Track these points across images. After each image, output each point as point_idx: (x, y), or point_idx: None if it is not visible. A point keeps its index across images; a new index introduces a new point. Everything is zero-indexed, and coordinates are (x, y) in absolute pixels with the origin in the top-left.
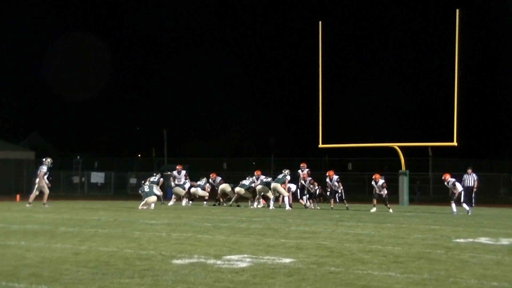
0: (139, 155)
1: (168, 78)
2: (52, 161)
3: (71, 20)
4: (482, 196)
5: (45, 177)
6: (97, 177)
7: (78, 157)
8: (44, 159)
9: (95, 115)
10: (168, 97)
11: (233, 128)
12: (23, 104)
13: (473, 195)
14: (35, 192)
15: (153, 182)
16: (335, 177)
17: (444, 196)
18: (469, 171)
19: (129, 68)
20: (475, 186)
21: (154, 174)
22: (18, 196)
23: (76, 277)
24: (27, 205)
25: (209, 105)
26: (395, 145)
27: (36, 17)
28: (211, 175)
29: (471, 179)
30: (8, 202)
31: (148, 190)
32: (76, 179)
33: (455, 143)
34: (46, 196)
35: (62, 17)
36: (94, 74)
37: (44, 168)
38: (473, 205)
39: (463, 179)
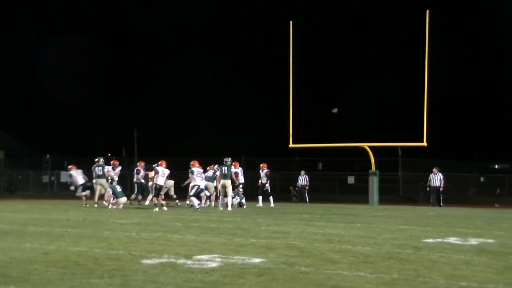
0: (109, 155)
1: (138, 77)
2: None
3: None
4: (452, 196)
5: None
6: (67, 177)
7: (48, 156)
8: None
9: (65, 114)
10: (138, 96)
11: (204, 128)
12: None
13: (440, 195)
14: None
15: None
16: (265, 170)
17: (414, 196)
18: (435, 170)
19: (100, 67)
20: (442, 185)
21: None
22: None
23: (45, 277)
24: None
25: (180, 105)
26: (365, 145)
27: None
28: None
29: (437, 178)
30: None
31: (120, 190)
32: (45, 179)
33: (424, 144)
34: None
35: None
36: (68, 74)
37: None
38: (441, 204)
39: (429, 178)
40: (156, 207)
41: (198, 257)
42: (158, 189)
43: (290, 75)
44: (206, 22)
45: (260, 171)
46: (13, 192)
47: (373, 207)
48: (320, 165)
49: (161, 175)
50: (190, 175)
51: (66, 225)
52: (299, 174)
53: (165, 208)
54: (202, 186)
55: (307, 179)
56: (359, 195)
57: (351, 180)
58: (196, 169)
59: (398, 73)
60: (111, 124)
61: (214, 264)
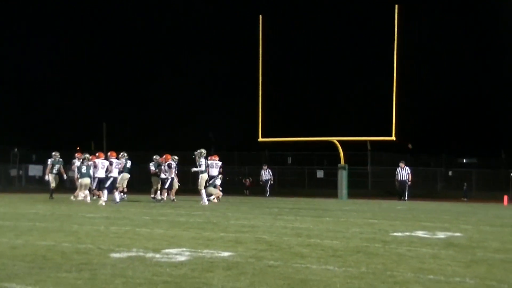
0: (78, 148)
1: (107, 70)
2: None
3: None
4: (419, 191)
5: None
6: (35, 170)
7: (16, 149)
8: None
9: (33, 107)
10: (106, 90)
11: (173, 122)
12: None
13: (407, 188)
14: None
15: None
16: (170, 162)
17: (382, 191)
18: (402, 164)
19: (67, 60)
20: (409, 179)
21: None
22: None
23: (12, 272)
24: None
25: (148, 98)
26: (335, 139)
27: None
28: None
29: (404, 172)
30: None
31: (85, 171)
32: (13, 172)
33: (393, 138)
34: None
35: None
36: (35, 66)
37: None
38: (406, 198)
39: (396, 172)
40: (102, 200)
41: (167, 251)
42: (98, 181)
43: (259, 69)
44: (177, 14)
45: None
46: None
47: (342, 201)
48: (289, 159)
49: (101, 167)
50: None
51: (34, 219)
52: (262, 168)
53: (103, 203)
54: (120, 178)
55: (271, 173)
56: (328, 189)
57: (320, 174)
58: (116, 160)
59: (367, 68)
60: (80, 118)
61: (182, 258)
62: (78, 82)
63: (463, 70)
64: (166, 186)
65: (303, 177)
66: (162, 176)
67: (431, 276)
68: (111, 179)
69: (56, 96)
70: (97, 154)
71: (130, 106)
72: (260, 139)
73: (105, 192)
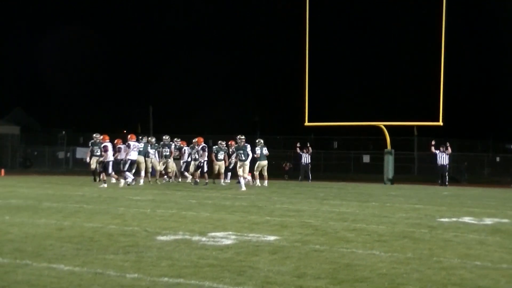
0: (125, 131)
1: (154, 55)
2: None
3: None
4: (467, 176)
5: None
6: (82, 153)
7: (64, 132)
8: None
9: (79, 90)
10: (154, 73)
11: (219, 105)
12: (6, 79)
13: (446, 173)
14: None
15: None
16: (202, 145)
17: (428, 176)
18: (442, 148)
19: (115, 45)
20: (448, 163)
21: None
22: (2, 171)
23: (59, 253)
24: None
25: (195, 83)
26: (381, 124)
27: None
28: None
29: (445, 157)
30: None
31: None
32: (61, 155)
33: (440, 123)
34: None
35: (57, 10)
36: (81, 54)
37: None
38: (447, 184)
39: (437, 156)
40: (105, 183)
41: (212, 234)
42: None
43: (306, 52)
44: (224, 4)
45: (196, 146)
46: (28, 168)
47: (387, 186)
48: (335, 144)
49: (132, 149)
50: (126, 148)
51: (81, 201)
52: (302, 152)
53: (105, 185)
54: (134, 159)
55: (310, 158)
56: (374, 174)
57: (366, 159)
58: (133, 142)
59: (414, 52)
60: (127, 101)
61: (228, 241)
62: (126, 64)
63: (510, 53)
64: (205, 170)
65: (349, 161)
66: (198, 159)
67: (478, 262)
68: (129, 161)
69: (103, 78)
70: (128, 136)
71: (176, 90)
72: (306, 123)
73: (126, 174)
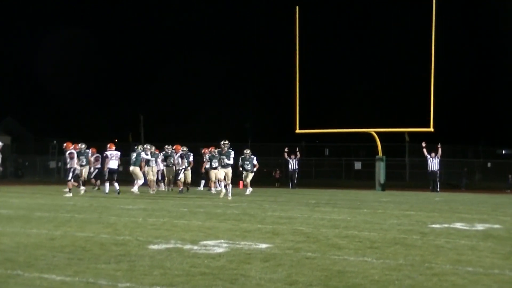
0: (116, 140)
1: (144, 63)
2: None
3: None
4: (456, 182)
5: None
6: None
7: (55, 141)
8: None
9: (71, 99)
10: (144, 82)
11: (210, 113)
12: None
13: (437, 179)
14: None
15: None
16: (180, 153)
17: (420, 182)
18: (433, 154)
19: (105, 53)
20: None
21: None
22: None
23: (51, 263)
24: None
25: (185, 90)
26: (372, 130)
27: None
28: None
29: (436, 162)
30: None
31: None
32: (52, 164)
33: (431, 129)
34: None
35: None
36: (71, 62)
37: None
38: (438, 189)
39: (428, 162)
40: (70, 192)
41: (204, 242)
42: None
43: (296, 60)
44: (213, 8)
45: (174, 154)
46: (20, 178)
47: (379, 192)
48: (327, 151)
49: (114, 158)
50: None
51: (73, 210)
52: (289, 158)
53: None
54: (113, 168)
55: (297, 164)
56: (365, 180)
57: (357, 165)
58: (111, 152)
59: (404, 59)
60: (118, 110)
61: (220, 250)
62: (114, 74)
63: (501, 59)
64: (179, 177)
65: (341, 168)
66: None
67: (470, 268)
68: (107, 170)
69: (93, 87)
70: (108, 145)
71: (166, 97)
72: (297, 130)
73: (106, 183)
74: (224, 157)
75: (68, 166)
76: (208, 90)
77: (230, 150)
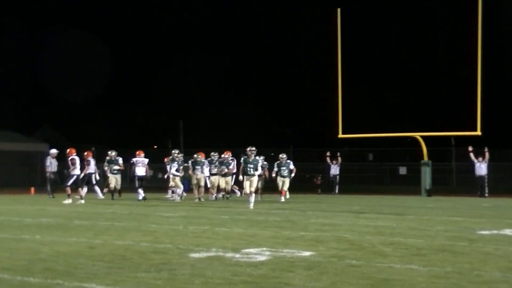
0: (155, 146)
1: (183, 68)
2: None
3: (72, 18)
4: (505, 187)
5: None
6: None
7: (93, 148)
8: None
9: (109, 106)
10: (184, 87)
11: (250, 119)
12: (34, 96)
13: (486, 184)
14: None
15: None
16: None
17: (467, 187)
18: (480, 159)
19: (144, 58)
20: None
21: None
22: (32, 189)
23: (91, 272)
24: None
25: (225, 95)
26: (417, 134)
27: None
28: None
29: (483, 167)
30: (21, 195)
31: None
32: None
33: (478, 133)
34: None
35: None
36: (101, 67)
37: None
38: (486, 195)
39: (475, 167)
40: (70, 198)
41: (246, 250)
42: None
43: (338, 63)
44: (255, 11)
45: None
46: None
47: (425, 198)
48: (370, 156)
49: (141, 165)
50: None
51: (112, 218)
52: (331, 163)
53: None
54: (141, 175)
55: (339, 169)
56: (410, 186)
57: (402, 171)
58: (138, 158)
59: (450, 60)
60: (157, 116)
61: (262, 258)
62: (156, 79)
63: None
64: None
65: (385, 174)
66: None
67: None
68: (136, 177)
69: (133, 93)
70: (137, 152)
71: (207, 103)
72: (340, 135)
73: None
74: (252, 166)
75: (71, 172)
76: (249, 95)
77: (258, 158)
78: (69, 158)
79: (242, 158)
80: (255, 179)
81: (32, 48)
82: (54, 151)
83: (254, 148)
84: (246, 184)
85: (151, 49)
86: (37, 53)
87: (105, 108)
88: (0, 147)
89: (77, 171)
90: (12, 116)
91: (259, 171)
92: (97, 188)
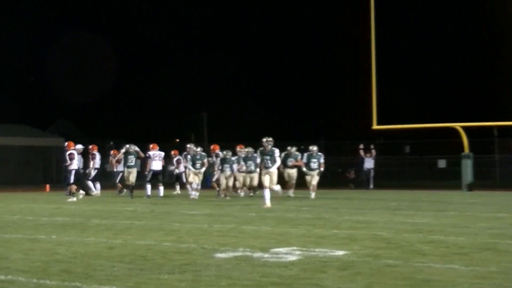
0: (177, 140)
1: (207, 57)
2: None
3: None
4: None
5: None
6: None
7: (112, 143)
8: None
9: (126, 98)
10: (208, 78)
11: (278, 110)
12: (50, 88)
13: None
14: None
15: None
16: (177, 157)
17: None
18: None
19: (166, 48)
20: None
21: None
22: (47, 186)
23: (111, 273)
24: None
25: (252, 85)
26: (457, 125)
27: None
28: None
29: None
30: (36, 192)
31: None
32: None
33: None
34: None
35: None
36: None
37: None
38: None
39: None
40: (74, 196)
41: (275, 250)
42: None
43: (372, 49)
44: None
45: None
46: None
47: (466, 193)
48: (407, 148)
49: (158, 159)
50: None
51: (132, 217)
52: (365, 156)
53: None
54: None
55: (373, 163)
56: (450, 180)
57: (442, 164)
58: (154, 152)
59: (492, 46)
60: (178, 107)
61: (292, 258)
62: (177, 69)
63: None
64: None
65: (423, 167)
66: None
67: None
68: (151, 172)
69: (154, 85)
70: (150, 146)
71: (232, 93)
72: (375, 126)
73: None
74: (269, 157)
75: (69, 168)
76: (276, 85)
77: (274, 149)
78: (68, 153)
79: (258, 151)
80: (274, 173)
81: (46, 42)
82: (80, 146)
83: (270, 138)
84: (265, 178)
85: (174, 38)
86: (51, 47)
87: (124, 101)
88: (13, 142)
89: (74, 165)
90: (24, 110)
91: (278, 162)
92: (91, 184)
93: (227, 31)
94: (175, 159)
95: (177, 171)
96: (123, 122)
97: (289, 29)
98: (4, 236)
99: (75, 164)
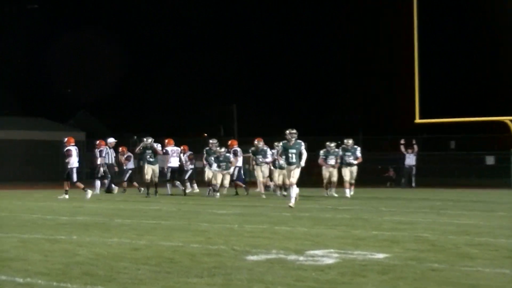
0: (205, 135)
1: (236, 47)
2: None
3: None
4: None
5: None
6: (160, 161)
7: (135, 137)
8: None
9: (151, 89)
10: (238, 68)
11: (314, 103)
12: (71, 79)
13: None
14: None
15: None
16: (188, 153)
17: None
18: None
19: (191, 40)
20: None
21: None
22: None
23: (135, 276)
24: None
25: (285, 76)
26: (507, 118)
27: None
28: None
29: None
30: (55, 190)
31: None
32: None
33: None
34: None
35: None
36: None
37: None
38: None
39: None
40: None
41: (311, 252)
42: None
43: (414, 36)
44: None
45: (181, 154)
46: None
47: None
48: (452, 144)
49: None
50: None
51: (158, 216)
52: (406, 152)
53: (66, 196)
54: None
55: (415, 159)
56: (499, 178)
57: (490, 160)
58: (171, 148)
59: None
60: (206, 100)
61: (329, 260)
62: (205, 60)
63: None
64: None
65: (470, 164)
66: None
67: None
68: (169, 169)
69: (177, 78)
70: (166, 141)
71: (264, 85)
72: (417, 120)
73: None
74: (294, 151)
75: (68, 165)
76: (310, 76)
77: (300, 142)
78: (65, 149)
79: (281, 143)
80: (297, 169)
81: (57, 39)
82: (111, 140)
83: (294, 131)
84: (289, 174)
85: (201, 29)
86: (61, 44)
87: (149, 93)
88: (30, 136)
89: (74, 163)
90: (43, 102)
91: (305, 156)
92: (98, 183)
93: (258, 21)
94: (185, 155)
95: (191, 166)
96: (147, 116)
97: (329, 17)
98: (23, 236)
99: (75, 161)
